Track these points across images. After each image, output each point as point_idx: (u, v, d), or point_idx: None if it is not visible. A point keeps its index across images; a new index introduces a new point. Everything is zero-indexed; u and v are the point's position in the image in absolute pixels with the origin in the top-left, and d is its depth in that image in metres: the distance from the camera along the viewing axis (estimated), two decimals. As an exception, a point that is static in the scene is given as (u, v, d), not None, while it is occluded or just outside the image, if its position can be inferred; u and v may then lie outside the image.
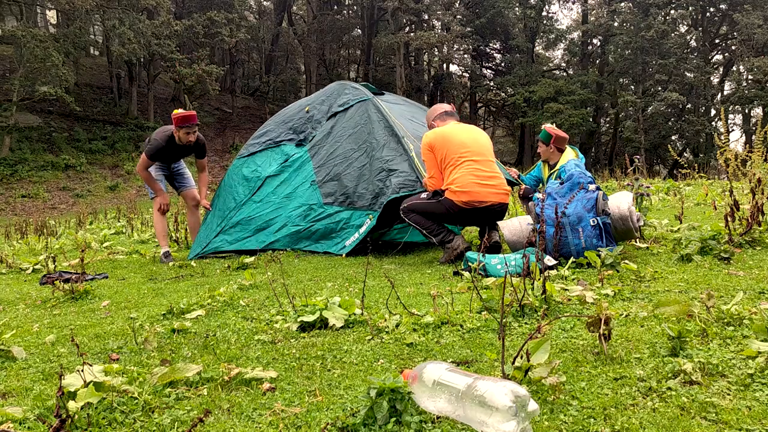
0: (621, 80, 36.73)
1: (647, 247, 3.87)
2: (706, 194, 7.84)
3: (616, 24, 35.03)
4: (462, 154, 4.30)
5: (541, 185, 5.37)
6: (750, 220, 3.68)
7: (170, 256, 5.56)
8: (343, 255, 4.83)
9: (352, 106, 5.44)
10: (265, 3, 40.65)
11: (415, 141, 4.93)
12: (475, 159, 4.32)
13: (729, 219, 3.72)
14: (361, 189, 4.94)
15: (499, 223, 4.31)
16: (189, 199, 5.92)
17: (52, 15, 37.09)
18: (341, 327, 2.55)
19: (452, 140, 4.37)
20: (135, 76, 32.11)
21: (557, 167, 5.11)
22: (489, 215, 4.35)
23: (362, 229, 4.83)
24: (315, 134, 5.51)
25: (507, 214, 7.24)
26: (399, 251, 5.01)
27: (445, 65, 40.01)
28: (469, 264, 3.53)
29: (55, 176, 23.58)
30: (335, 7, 40.69)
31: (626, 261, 3.34)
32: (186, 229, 7.02)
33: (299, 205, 5.26)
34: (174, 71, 27.30)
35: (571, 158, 5.07)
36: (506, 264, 3.33)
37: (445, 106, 4.81)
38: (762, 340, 1.94)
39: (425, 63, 41.53)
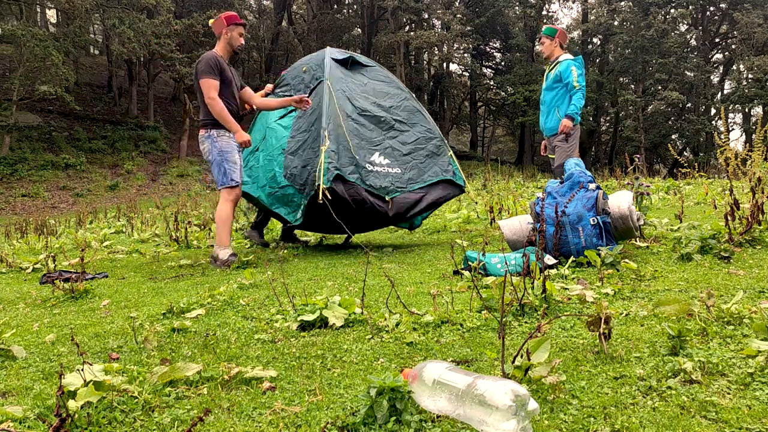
0: (621, 79, 36.72)
1: (647, 246, 3.87)
2: (706, 193, 7.84)
3: (616, 23, 35.01)
4: None
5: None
6: (750, 219, 3.68)
7: (235, 256, 4.71)
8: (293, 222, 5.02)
9: (320, 82, 5.31)
10: (264, 2, 40.59)
11: (337, 132, 4.90)
12: None
13: (729, 218, 3.72)
14: (301, 172, 4.99)
15: (499, 222, 4.30)
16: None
17: (52, 14, 37.09)
18: (341, 326, 2.55)
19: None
20: (135, 75, 32.09)
21: (558, 62, 5.42)
22: None
23: (299, 213, 4.92)
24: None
25: (507, 213, 7.25)
26: (398, 251, 5.01)
27: (445, 64, 39.98)
28: (469, 263, 3.53)
29: (55, 175, 23.55)
30: (335, 6, 40.66)
31: (626, 260, 3.34)
32: (186, 229, 7.03)
33: (271, 170, 5.26)
34: (174, 70, 27.27)
35: (569, 58, 5.37)
36: (506, 263, 3.33)
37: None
38: (762, 339, 1.94)
39: (425, 62, 41.50)
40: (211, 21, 4.84)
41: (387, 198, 4.86)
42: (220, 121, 4.62)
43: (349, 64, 5.56)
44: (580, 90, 5.27)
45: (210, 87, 4.54)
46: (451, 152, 5.40)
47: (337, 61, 5.47)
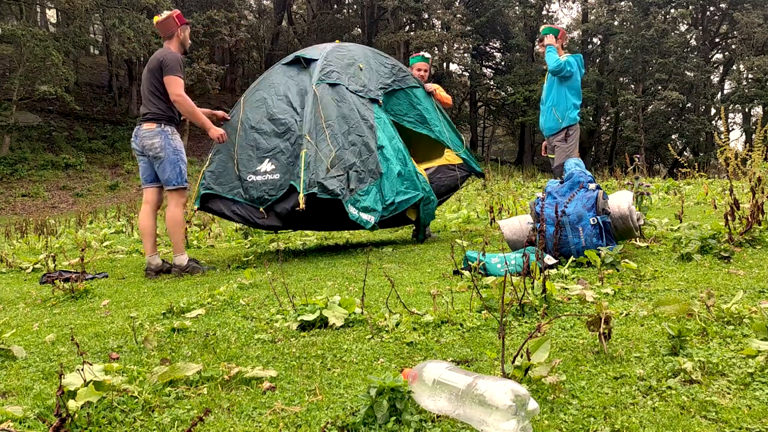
0: (621, 79, 36.72)
1: (647, 246, 3.87)
2: (706, 193, 7.84)
3: (616, 23, 35.01)
4: None
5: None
6: (750, 219, 3.68)
7: (195, 261, 4.79)
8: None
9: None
10: (265, 2, 40.57)
11: (227, 148, 4.98)
12: None
13: (729, 218, 3.72)
14: None
15: (499, 222, 4.30)
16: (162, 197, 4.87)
17: (52, 14, 37.08)
18: (341, 326, 2.55)
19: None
20: (135, 75, 32.09)
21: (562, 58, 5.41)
22: None
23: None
24: None
25: (507, 213, 7.25)
26: (398, 251, 5.01)
27: (445, 64, 39.93)
28: (469, 263, 3.53)
29: (55, 175, 23.55)
30: (335, 6, 40.65)
31: (626, 260, 3.34)
32: (186, 228, 7.02)
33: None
34: (174, 70, 27.27)
35: (570, 56, 5.40)
36: (506, 263, 3.33)
37: None
38: (762, 339, 1.94)
39: (425, 62, 41.43)
40: (157, 18, 4.69)
41: (261, 209, 4.72)
42: (190, 119, 4.77)
43: (303, 62, 5.33)
44: (564, 62, 5.27)
45: (179, 84, 4.58)
46: (305, 151, 4.68)
47: (289, 64, 5.38)
